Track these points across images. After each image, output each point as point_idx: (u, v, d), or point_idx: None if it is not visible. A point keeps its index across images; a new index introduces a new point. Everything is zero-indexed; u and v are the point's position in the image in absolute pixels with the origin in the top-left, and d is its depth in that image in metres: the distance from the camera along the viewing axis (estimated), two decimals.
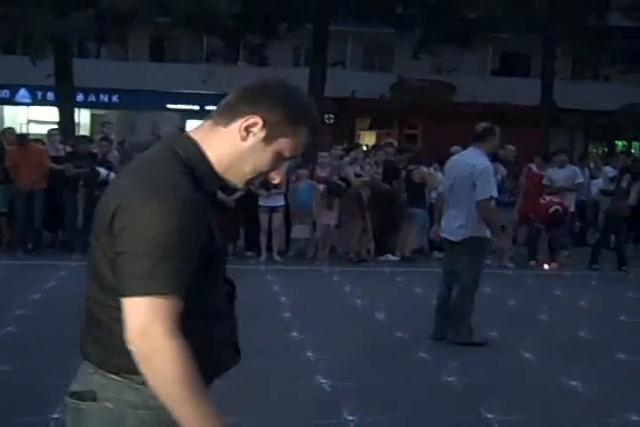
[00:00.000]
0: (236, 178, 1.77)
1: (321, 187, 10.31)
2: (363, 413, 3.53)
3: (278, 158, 1.74)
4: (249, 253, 10.27)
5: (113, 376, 1.71)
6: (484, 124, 6.23)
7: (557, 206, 9.72)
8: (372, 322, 6.84)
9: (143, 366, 1.60)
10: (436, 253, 10.17)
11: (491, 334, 6.43)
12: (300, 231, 10.45)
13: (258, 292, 7.39)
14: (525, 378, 5.32)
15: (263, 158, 1.74)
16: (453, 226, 6.13)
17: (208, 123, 1.78)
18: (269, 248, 10.19)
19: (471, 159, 6.08)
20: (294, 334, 5.63)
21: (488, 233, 6.03)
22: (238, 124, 1.72)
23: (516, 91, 24.43)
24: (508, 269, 10.13)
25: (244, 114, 1.71)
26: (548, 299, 8.30)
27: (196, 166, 1.72)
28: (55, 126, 15.11)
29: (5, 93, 25.15)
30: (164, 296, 1.60)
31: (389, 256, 10.49)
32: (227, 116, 1.74)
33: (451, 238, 6.18)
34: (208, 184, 1.74)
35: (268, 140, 1.72)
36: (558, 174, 10.51)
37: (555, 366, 5.57)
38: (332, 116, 24.78)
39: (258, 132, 1.71)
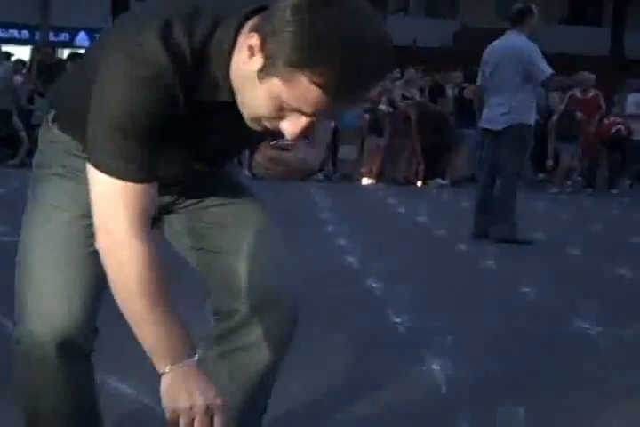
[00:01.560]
0: (242, 108, 1.33)
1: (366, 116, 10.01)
2: (410, 316, 3.39)
3: (278, 105, 1.25)
4: None
5: None
6: (519, 6, 5.93)
7: (620, 126, 9.29)
8: (415, 225, 6.55)
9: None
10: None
11: (537, 237, 6.04)
12: (347, 152, 10.15)
13: (300, 206, 7.12)
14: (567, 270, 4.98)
15: (258, 97, 1.27)
16: (496, 114, 5.86)
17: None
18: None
19: (514, 43, 5.79)
20: (340, 241, 5.36)
21: (532, 119, 5.82)
22: (245, 36, 1.27)
23: (585, 40, 23.50)
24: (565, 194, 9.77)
25: (254, 26, 1.26)
26: (603, 216, 7.89)
27: (207, 63, 1.31)
28: None
29: (65, 37, 25.27)
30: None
31: (438, 180, 10.13)
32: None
33: (494, 128, 5.89)
34: (211, 94, 1.35)
35: (261, 74, 1.24)
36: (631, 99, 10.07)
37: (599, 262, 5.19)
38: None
39: (256, 58, 1.24)
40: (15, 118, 9.96)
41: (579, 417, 2.43)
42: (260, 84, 1.24)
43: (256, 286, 1.60)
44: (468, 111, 10.11)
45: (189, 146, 1.47)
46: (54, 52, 11.24)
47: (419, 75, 11.22)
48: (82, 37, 25.19)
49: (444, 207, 7.72)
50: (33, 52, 11.11)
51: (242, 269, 1.61)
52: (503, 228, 5.74)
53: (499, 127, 5.82)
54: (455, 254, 5.39)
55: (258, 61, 1.23)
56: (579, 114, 9.74)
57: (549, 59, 5.80)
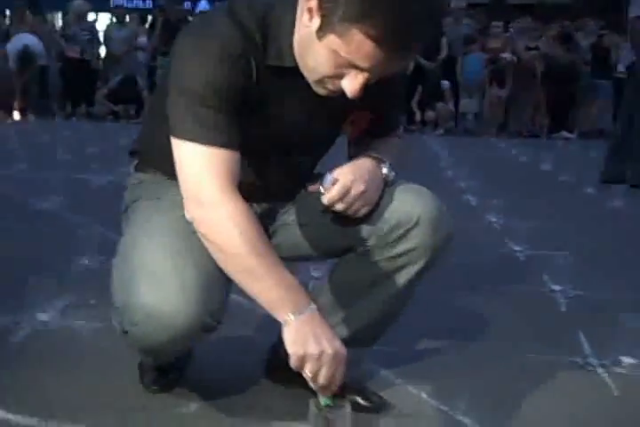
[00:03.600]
0: (305, 73, 1.40)
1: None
2: (528, 244, 3.31)
3: (338, 62, 1.31)
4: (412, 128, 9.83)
5: None
6: None
7: None
8: (538, 172, 6.31)
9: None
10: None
11: None
12: (469, 105, 9.89)
13: (418, 155, 6.99)
14: None
15: (319, 55, 1.33)
16: None
17: None
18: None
19: None
20: (460, 183, 5.23)
21: None
22: (304, 0, 1.33)
23: None
24: None
25: None
26: None
27: (271, 32, 1.40)
28: None
29: (187, 5, 25.75)
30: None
31: (564, 133, 9.71)
32: None
33: None
34: (277, 57, 1.41)
35: (319, 32, 1.30)
36: None
37: None
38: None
39: (314, 18, 1.30)
40: (139, 81, 10.28)
41: None
42: (319, 42, 1.31)
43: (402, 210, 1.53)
44: (604, 61, 9.67)
45: (266, 123, 1.49)
46: (183, 7, 11.42)
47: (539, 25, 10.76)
48: (203, 5, 25.60)
49: (571, 157, 7.39)
50: (155, 12, 11.35)
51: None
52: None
53: None
54: (582, 196, 5.16)
55: (316, 21, 1.29)
56: None
57: None
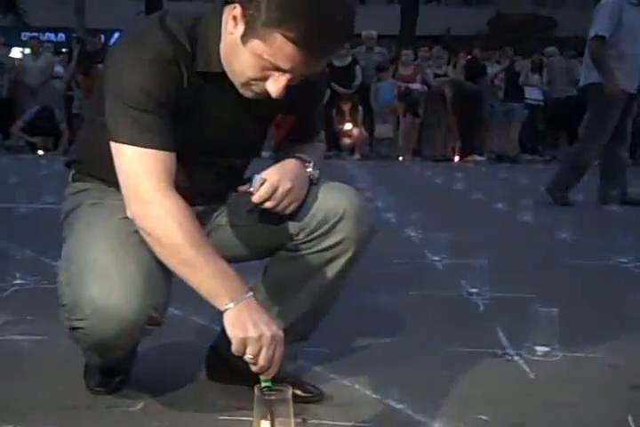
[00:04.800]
0: (232, 77, 1.53)
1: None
2: (445, 254, 3.53)
3: (261, 65, 1.45)
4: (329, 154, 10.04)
5: None
6: None
7: None
8: (451, 191, 6.56)
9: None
10: (526, 156, 9.80)
11: None
12: (383, 131, 10.18)
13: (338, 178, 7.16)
14: None
15: (244, 59, 1.47)
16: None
17: None
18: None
19: None
20: (378, 202, 5.40)
21: None
22: (229, 10, 1.49)
23: None
24: None
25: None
26: None
27: (199, 41, 1.53)
28: None
29: (100, 38, 25.58)
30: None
31: (476, 156, 10.10)
32: None
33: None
34: (204, 63, 1.54)
35: (243, 38, 1.44)
36: None
37: None
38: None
39: (239, 25, 1.45)
40: (57, 112, 10.20)
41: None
42: (244, 47, 1.44)
43: (323, 207, 1.65)
44: (515, 86, 10.15)
45: (197, 126, 1.61)
46: (99, 39, 11.47)
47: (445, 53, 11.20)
48: (117, 38, 25.49)
49: (481, 178, 7.71)
50: (73, 42, 11.37)
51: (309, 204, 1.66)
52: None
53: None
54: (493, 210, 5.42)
55: (241, 28, 1.44)
56: None
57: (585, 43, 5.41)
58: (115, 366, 1.82)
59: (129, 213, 1.53)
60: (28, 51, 11.06)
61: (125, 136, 1.50)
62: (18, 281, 2.88)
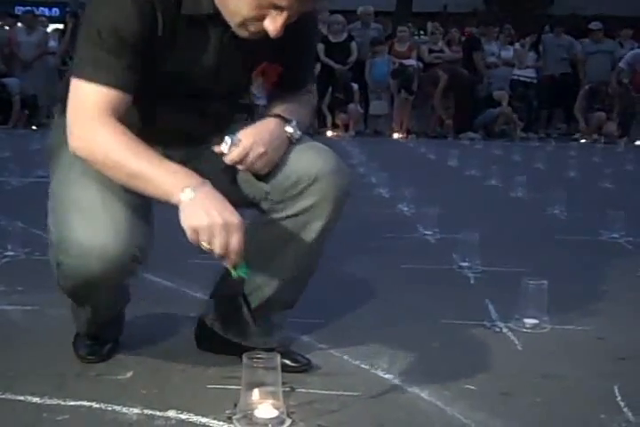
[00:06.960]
0: (227, 17, 1.52)
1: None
2: (437, 229, 3.55)
3: (259, 3, 1.44)
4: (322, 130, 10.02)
5: None
6: None
7: None
8: (445, 167, 6.57)
9: None
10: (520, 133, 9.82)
11: None
12: (378, 107, 10.15)
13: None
14: None
15: None
16: None
17: None
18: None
19: None
20: (371, 178, 5.39)
21: None
22: None
23: (618, 2, 22.96)
24: None
25: None
26: None
27: None
28: None
29: None
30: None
31: (470, 133, 10.06)
32: None
33: None
34: (193, 5, 1.53)
35: None
36: None
37: None
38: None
39: None
40: (10, 85, 9.81)
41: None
42: None
43: (301, 167, 1.63)
44: None
45: (178, 67, 1.58)
46: None
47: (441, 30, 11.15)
48: None
49: (475, 155, 7.69)
50: (67, 16, 11.21)
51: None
52: None
53: None
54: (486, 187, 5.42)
55: None
56: None
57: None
58: (103, 334, 1.83)
59: (70, 149, 1.54)
60: (20, 24, 10.92)
61: (83, 72, 1.52)
62: (9, 253, 2.89)
